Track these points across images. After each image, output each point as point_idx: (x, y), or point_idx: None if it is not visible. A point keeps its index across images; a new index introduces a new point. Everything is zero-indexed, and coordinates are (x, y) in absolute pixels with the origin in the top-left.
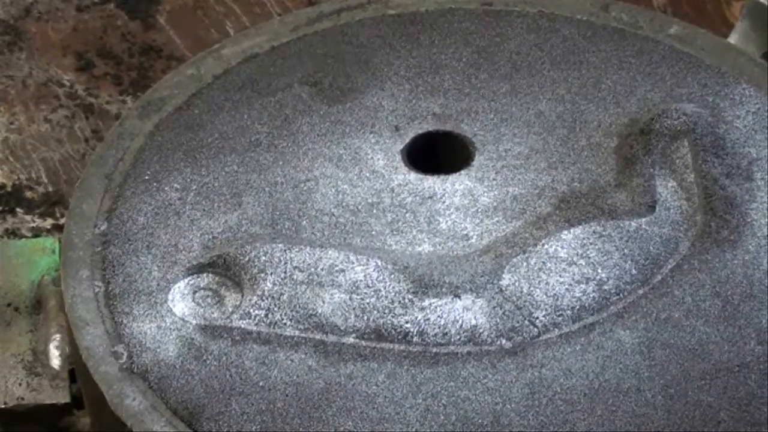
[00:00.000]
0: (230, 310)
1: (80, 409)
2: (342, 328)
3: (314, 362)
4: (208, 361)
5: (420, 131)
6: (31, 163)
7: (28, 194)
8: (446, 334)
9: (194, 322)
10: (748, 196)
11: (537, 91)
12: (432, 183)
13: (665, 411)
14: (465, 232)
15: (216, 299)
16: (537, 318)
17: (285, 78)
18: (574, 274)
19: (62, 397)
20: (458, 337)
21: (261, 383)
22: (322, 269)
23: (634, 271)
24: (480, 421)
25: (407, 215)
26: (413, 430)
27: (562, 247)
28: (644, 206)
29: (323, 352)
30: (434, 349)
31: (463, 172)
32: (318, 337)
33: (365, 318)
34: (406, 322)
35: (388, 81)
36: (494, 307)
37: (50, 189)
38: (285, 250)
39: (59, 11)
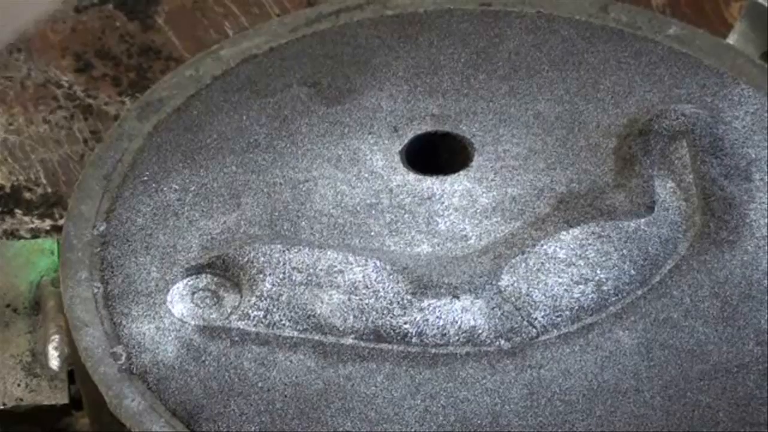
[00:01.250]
0: (229, 310)
1: (79, 410)
2: (341, 329)
3: (313, 363)
4: (206, 362)
5: (419, 132)
6: (30, 164)
7: (27, 195)
8: (445, 334)
9: (193, 322)
10: (747, 196)
11: (536, 92)
12: (431, 184)
13: (664, 411)
14: (464, 233)
15: (215, 300)
16: (536, 319)
17: (284, 79)
18: (572, 275)
19: (61, 398)
20: (457, 337)
21: (260, 384)
22: (320, 270)
23: (632, 272)
24: (479, 421)
25: (406, 216)
26: (412, 430)
27: (561, 248)
28: (643, 207)
29: (322, 353)
30: (433, 350)
31: (461, 172)
32: (317, 337)
33: (364, 319)
34: (405, 323)
35: (387, 82)
36: (493, 308)
37: (49, 190)
38: (284, 251)
39: (58, 12)
